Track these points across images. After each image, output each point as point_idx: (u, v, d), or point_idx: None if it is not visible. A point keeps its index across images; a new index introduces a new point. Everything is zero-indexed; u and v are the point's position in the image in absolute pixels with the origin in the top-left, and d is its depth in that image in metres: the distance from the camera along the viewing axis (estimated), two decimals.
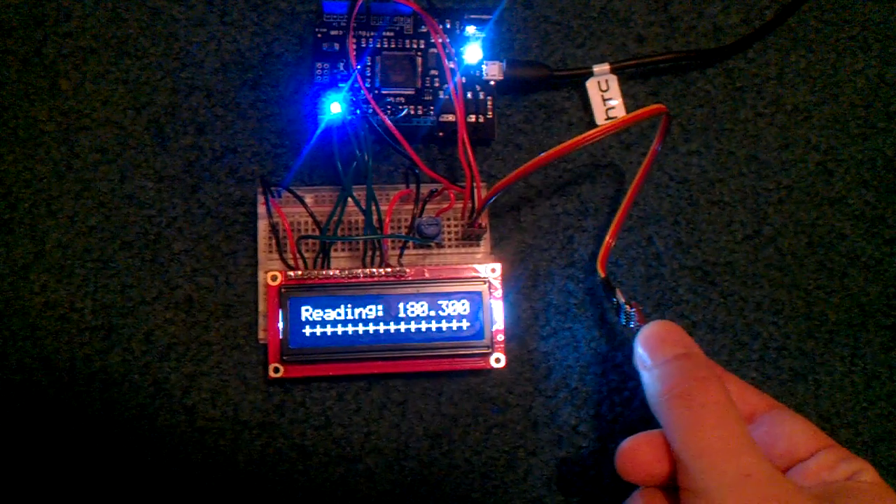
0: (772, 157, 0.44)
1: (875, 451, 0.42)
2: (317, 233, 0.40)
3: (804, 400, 0.42)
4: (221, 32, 0.43)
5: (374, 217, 0.39)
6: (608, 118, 0.43)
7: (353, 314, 0.39)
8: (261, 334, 0.40)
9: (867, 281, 0.43)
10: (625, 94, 0.43)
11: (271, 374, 0.39)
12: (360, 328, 0.39)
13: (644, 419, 0.40)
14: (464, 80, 0.41)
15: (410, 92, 0.41)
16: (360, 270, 0.40)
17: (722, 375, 0.36)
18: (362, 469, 0.40)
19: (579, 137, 0.34)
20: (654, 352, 0.34)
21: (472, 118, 0.41)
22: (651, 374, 0.34)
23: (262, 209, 0.40)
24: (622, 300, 0.37)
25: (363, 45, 0.41)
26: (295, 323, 0.39)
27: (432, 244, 0.41)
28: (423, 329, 0.39)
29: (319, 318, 0.39)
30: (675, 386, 0.33)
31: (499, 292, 0.40)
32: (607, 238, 0.39)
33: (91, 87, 0.42)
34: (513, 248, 0.42)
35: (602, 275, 0.39)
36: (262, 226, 0.41)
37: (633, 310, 0.37)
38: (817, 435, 0.34)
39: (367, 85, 0.41)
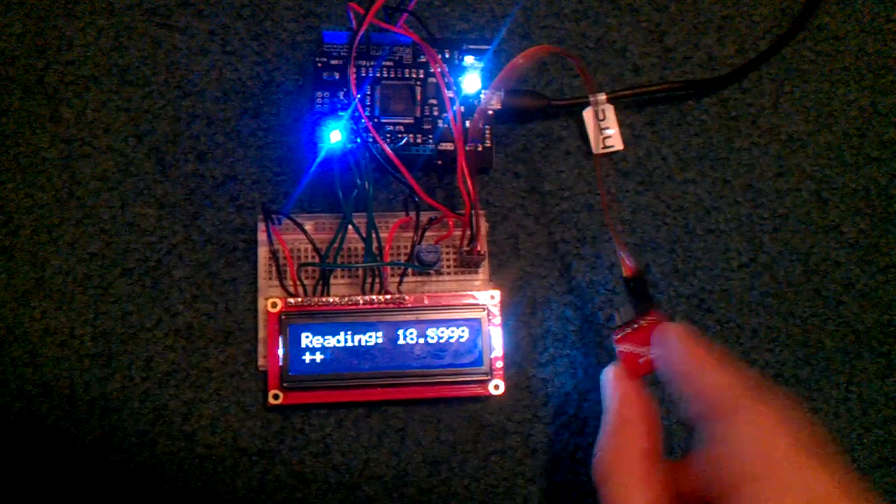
0: (767, 186, 0.44)
1: (872, 478, 0.42)
2: (317, 260, 0.40)
3: None
4: (222, 61, 0.44)
5: (374, 244, 0.39)
6: (605, 147, 0.43)
7: (352, 341, 0.39)
8: (260, 361, 0.40)
9: (862, 309, 0.43)
10: (621, 124, 0.44)
11: (271, 400, 0.39)
12: (360, 355, 0.39)
13: None
14: (462, 108, 0.42)
15: (410, 121, 0.41)
16: (359, 297, 0.40)
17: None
18: (361, 496, 0.40)
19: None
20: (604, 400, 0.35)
21: (471, 147, 0.42)
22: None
23: (262, 236, 0.41)
24: (615, 340, 0.37)
25: (363, 75, 0.42)
26: (295, 350, 0.39)
27: (431, 271, 0.41)
28: (423, 355, 0.40)
29: (319, 345, 0.39)
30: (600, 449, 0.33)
31: (498, 319, 0.40)
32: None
33: (93, 114, 0.43)
34: (511, 275, 0.42)
35: (626, 273, 0.37)
36: (263, 253, 0.41)
37: (620, 347, 0.36)
38: None
39: (367, 113, 0.41)
